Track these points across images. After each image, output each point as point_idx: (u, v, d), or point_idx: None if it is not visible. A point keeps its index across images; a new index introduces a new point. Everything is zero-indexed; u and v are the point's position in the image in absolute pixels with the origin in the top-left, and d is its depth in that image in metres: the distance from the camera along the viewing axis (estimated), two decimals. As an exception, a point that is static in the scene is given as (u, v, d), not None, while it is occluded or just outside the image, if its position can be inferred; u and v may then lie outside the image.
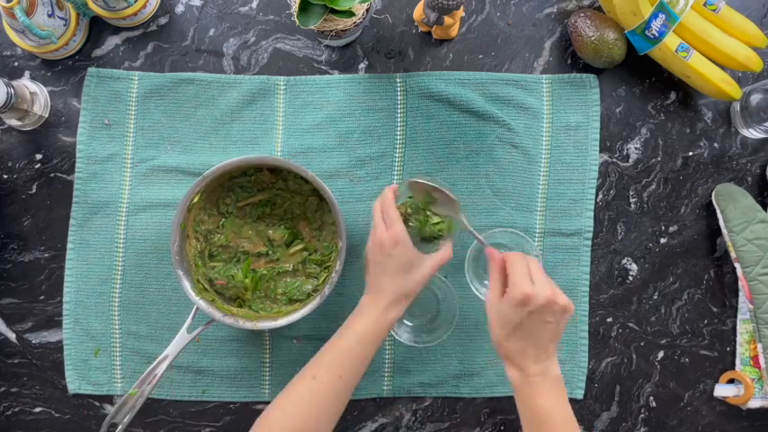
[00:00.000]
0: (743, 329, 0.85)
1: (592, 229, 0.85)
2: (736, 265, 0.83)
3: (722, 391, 0.84)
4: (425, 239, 0.76)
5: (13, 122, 0.84)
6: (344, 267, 0.76)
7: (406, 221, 0.74)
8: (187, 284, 0.76)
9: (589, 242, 0.85)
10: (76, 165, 0.84)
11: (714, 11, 0.82)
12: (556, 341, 0.66)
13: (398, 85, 0.86)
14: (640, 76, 0.87)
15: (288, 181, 0.82)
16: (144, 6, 0.84)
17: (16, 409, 0.84)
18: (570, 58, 0.87)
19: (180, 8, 0.87)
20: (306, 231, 0.83)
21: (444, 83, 0.85)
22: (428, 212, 0.76)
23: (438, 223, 0.76)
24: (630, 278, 0.86)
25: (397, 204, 0.74)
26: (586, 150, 0.86)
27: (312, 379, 0.67)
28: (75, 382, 0.84)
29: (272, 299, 0.81)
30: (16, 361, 0.84)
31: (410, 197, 0.76)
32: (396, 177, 0.85)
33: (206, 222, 0.80)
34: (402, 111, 0.86)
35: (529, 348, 0.64)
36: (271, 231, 0.82)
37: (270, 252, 0.82)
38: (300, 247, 0.82)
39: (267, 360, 0.85)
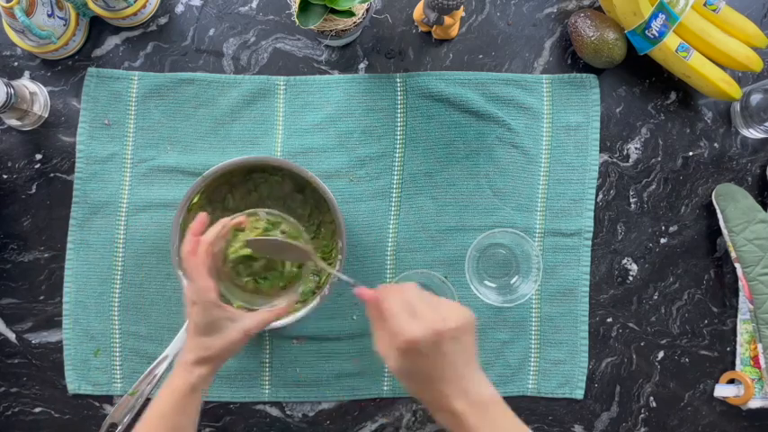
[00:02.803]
0: (743, 329, 0.85)
1: (592, 229, 0.85)
2: (737, 265, 0.83)
3: (722, 391, 0.84)
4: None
5: (13, 122, 0.84)
6: (344, 267, 0.76)
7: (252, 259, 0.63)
8: (187, 284, 0.76)
9: (589, 242, 0.85)
10: (76, 165, 0.84)
11: (714, 11, 0.82)
12: (471, 361, 0.55)
13: (398, 85, 0.86)
14: (640, 76, 0.87)
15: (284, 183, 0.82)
16: (144, 6, 0.84)
17: (16, 410, 0.84)
18: (570, 58, 0.87)
19: (180, 8, 0.87)
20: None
21: (444, 83, 0.85)
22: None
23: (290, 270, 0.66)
24: (630, 278, 0.86)
25: (246, 240, 0.65)
26: (586, 150, 0.86)
27: None
28: (74, 383, 0.83)
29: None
30: (16, 361, 0.84)
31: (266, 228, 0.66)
32: (396, 177, 0.85)
33: (210, 214, 0.80)
34: (402, 111, 0.86)
35: (444, 387, 0.53)
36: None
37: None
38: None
39: (267, 360, 0.85)
